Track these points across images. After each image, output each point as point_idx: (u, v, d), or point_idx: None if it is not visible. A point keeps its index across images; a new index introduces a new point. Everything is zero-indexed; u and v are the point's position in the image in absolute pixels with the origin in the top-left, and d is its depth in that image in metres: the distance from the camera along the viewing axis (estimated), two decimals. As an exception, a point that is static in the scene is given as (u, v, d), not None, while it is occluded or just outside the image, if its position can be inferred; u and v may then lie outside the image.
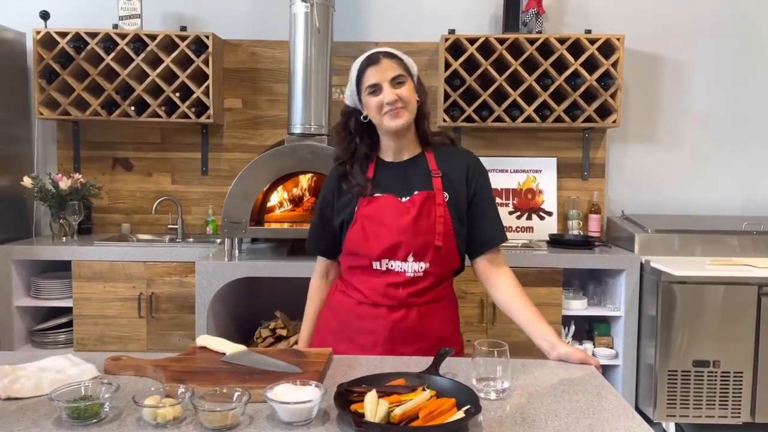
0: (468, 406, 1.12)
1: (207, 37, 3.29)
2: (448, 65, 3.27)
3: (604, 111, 3.34)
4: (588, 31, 3.32)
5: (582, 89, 3.28)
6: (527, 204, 3.58)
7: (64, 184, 3.27)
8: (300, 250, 3.17)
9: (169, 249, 3.17)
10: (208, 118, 3.32)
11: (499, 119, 3.32)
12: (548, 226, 3.55)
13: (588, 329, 3.32)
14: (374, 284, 1.64)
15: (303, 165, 3.00)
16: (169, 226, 3.53)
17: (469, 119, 3.32)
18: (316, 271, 1.85)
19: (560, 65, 3.30)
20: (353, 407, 1.13)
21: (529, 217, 3.57)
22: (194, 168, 3.64)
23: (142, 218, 3.63)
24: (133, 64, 3.30)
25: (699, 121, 3.61)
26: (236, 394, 1.14)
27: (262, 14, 3.57)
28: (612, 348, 3.17)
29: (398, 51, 1.65)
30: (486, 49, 3.30)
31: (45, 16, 3.32)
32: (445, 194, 1.64)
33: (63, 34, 3.29)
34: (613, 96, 3.28)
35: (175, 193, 3.61)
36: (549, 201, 3.57)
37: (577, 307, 3.16)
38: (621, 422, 1.16)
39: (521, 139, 3.60)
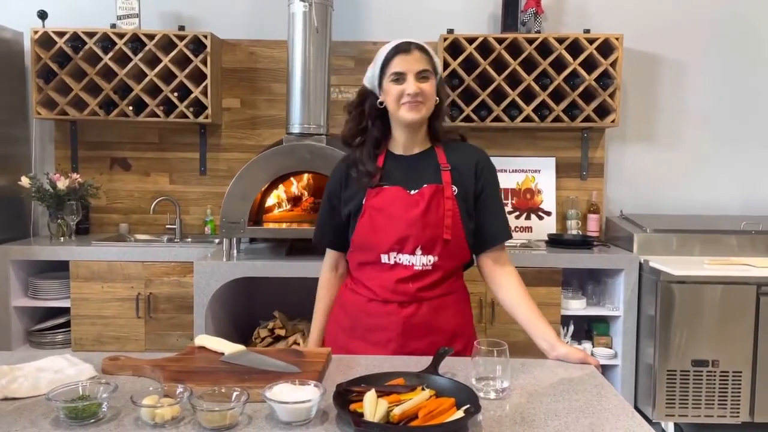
0: (467, 406, 1.12)
1: (205, 37, 3.29)
2: (446, 65, 3.27)
3: (603, 111, 3.34)
4: (587, 31, 3.32)
5: (581, 89, 3.28)
6: (526, 204, 3.58)
7: (62, 184, 3.26)
8: (299, 249, 3.17)
9: (167, 249, 3.17)
10: (207, 117, 3.32)
11: (497, 119, 3.32)
12: (547, 226, 3.55)
13: (587, 329, 3.32)
14: (383, 280, 1.63)
15: (301, 165, 3.00)
16: (167, 226, 3.53)
17: (467, 119, 3.32)
18: (324, 264, 1.83)
19: (559, 65, 3.30)
20: (352, 407, 1.13)
21: (528, 217, 3.57)
22: (192, 168, 3.63)
23: (140, 218, 3.63)
24: (131, 64, 3.29)
25: (698, 121, 3.61)
26: (235, 393, 1.14)
27: (261, 14, 3.56)
28: (611, 348, 3.17)
29: (429, 47, 1.65)
30: (485, 48, 3.30)
31: (43, 15, 3.31)
32: (454, 188, 1.64)
33: (61, 34, 3.28)
34: (611, 96, 3.28)
35: (173, 193, 3.60)
36: (548, 201, 3.57)
37: (576, 306, 3.16)
38: (621, 421, 1.16)
39: (520, 138, 3.60)
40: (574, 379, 1.40)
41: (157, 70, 3.29)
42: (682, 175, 3.63)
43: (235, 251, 3.01)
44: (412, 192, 1.63)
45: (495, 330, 3.00)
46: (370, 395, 1.12)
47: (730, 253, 3.11)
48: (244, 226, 2.95)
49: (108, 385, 1.16)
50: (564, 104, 3.30)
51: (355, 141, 1.71)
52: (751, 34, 3.58)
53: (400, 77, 1.59)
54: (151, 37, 3.28)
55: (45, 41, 3.30)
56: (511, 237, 1.71)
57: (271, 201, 3.30)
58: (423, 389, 1.19)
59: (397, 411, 1.09)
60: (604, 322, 3.23)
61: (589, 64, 3.29)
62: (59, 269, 3.18)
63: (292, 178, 3.30)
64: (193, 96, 3.30)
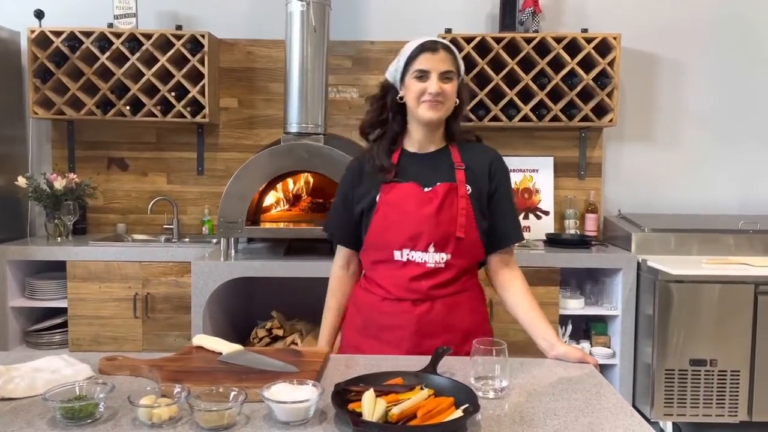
0: (466, 405, 1.11)
1: (203, 36, 3.28)
2: (444, 64, 3.26)
3: (601, 110, 3.34)
4: (584, 30, 3.33)
5: (578, 88, 3.28)
6: (524, 203, 3.58)
7: (59, 184, 3.25)
8: (297, 249, 3.17)
9: (164, 249, 3.16)
10: (204, 117, 3.31)
11: (495, 118, 3.32)
12: (545, 226, 3.55)
13: (585, 328, 3.32)
14: (396, 278, 1.63)
15: (299, 164, 2.99)
16: (164, 226, 3.52)
17: (465, 119, 3.31)
18: (335, 262, 1.82)
19: (557, 64, 3.30)
20: (351, 406, 1.12)
21: (525, 217, 3.57)
22: (190, 168, 3.62)
23: (138, 218, 3.62)
24: (128, 64, 3.28)
25: (695, 120, 3.61)
26: (233, 393, 1.13)
27: (258, 13, 3.56)
28: (609, 347, 3.17)
29: (455, 48, 1.66)
30: (482, 48, 3.30)
31: (39, 15, 3.30)
32: (468, 187, 1.64)
33: (57, 33, 3.27)
34: (609, 95, 3.28)
35: (170, 192, 3.59)
36: (546, 200, 3.57)
37: (574, 306, 3.16)
38: (620, 420, 1.16)
39: (518, 138, 3.60)
40: (573, 378, 1.40)
41: (154, 69, 3.28)
42: (680, 174, 3.63)
43: (232, 251, 3.01)
44: (426, 189, 1.63)
45: (494, 329, 2.97)
46: (369, 395, 1.12)
47: (728, 253, 3.11)
48: (241, 226, 2.95)
49: (105, 385, 1.16)
50: (562, 104, 3.30)
51: (373, 132, 1.71)
52: (749, 33, 3.59)
53: (423, 75, 1.60)
54: (148, 36, 3.27)
55: (42, 41, 3.29)
56: (522, 239, 1.73)
57: (268, 201, 3.29)
58: (422, 389, 1.19)
59: (395, 410, 1.09)
60: (602, 321, 3.23)
61: (587, 64, 3.29)
62: (56, 269, 3.17)
63: (289, 178, 3.29)
64: (190, 96, 3.29)
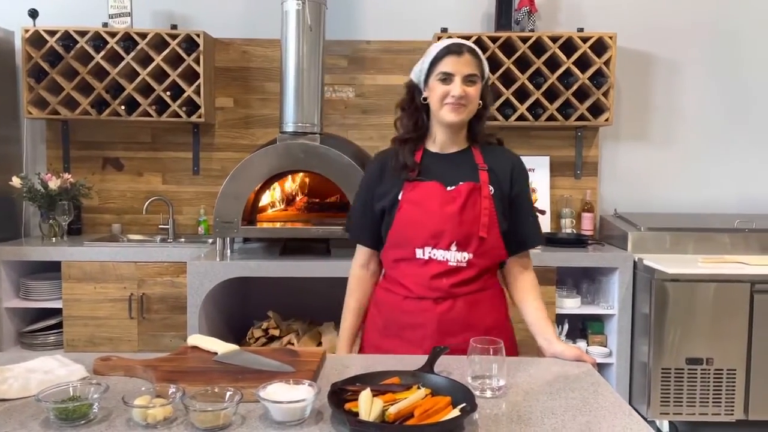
0: (463, 404, 1.11)
1: (198, 36, 3.27)
2: (440, 64, 3.26)
3: (597, 109, 3.35)
4: (580, 30, 3.33)
5: (574, 88, 3.28)
6: (520, 203, 3.57)
7: (54, 184, 3.24)
8: (292, 249, 3.16)
9: (160, 249, 3.15)
10: (200, 117, 3.30)
11: (491, 118, 3.31)
12: (541, 225, 3.54)
13: (581, 328, 3.32)
14: (418, 276, 1.63)
15: (295, 164, 2.98)
16: (160, 226, 3.50)
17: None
18: (355, 262, 1.81)
19: (553, 64, 3.30)
20: (347, 406, 1.12)
21: (522, 216, 3.56)
22: (185, 167, 3.61)
23: (133, 218, 3.60)
24: (123, 63, 3.27)
25: (691, 120, 3.62)
26: (228, 393, 1.12)
27: (254, 12, 3.55)
28: (605, 346, 3.17)
29: (480, 51, 1.66)
30: (478, 47, 3.28)
31: (33, 14, 3.28)
32: (491, 188, 1.65)
33: (52, 33, 3.25)
34: (605, 94, 3.29)
35: (166, 192, 3.58)
36: (542, 199, 3.57)
37: (571, 305, 3.16)
38: (617, 419, 1.16)
39: (514, 137, 3.58)
40: (570, 377, 1.39)
41: (149, 69, 3.27)
42: (676, 173, 3.64)
43: (228, 251, 3.00)
44: (449, 188, 1.63)
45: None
46: (366, 394, 1.11)
47: (724, 251, 3.12)
48: (237, 226, 2.94)
49: (99, 386, 1.15)
50: (558, 103, 3.30)
51: (411, 137, 1.70)
52: (744, 33, 3.59)
53: (447, 77, 1.61)
54: (143, 36, 3.26)
55: (36, 40, 3.27)
56: (542, 242, 1.76)
57: (264, 200, 3.28)
58: (418, 388, 1.18)
59: (392, 410, 1.08)
60: (599, 320, 3.24)
61: (583, 63, 3.29)
62: (51, 270, 3.15)
63: (285, 178, 3.28)
64: (185, 95, 3.28)
